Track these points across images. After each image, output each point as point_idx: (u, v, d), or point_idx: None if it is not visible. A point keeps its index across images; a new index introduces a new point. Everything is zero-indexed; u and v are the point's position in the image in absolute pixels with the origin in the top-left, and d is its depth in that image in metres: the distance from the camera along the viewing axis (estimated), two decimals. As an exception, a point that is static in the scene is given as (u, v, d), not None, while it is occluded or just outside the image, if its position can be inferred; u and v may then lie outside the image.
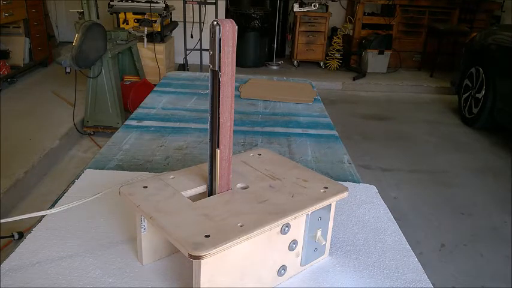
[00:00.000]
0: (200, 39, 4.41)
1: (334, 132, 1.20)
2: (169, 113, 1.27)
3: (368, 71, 5.69)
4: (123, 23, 4.38)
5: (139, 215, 0.57)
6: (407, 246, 0.68)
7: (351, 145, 3.50)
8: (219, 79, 0.53)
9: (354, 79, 5.43)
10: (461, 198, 2.83)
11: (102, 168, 0.90)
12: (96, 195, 0.63)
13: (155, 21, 4.32)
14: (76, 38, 2.95)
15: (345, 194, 0.61)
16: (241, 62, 5.57)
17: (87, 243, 0.64)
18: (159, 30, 4.37)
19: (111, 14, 4.41)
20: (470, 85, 4.18)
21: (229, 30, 0.52)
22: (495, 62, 3.79)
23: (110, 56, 3.27)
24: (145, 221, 0.58)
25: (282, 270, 0.58)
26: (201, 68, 4.66)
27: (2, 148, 2.89)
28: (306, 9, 5.60)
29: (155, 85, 1.61)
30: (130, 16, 4.37)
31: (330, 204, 0.61)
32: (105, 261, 0.60)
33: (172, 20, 4.91)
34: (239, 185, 0.62)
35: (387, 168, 3.21)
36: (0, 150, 2.85)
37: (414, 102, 5.00)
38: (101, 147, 1.42)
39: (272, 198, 0.58)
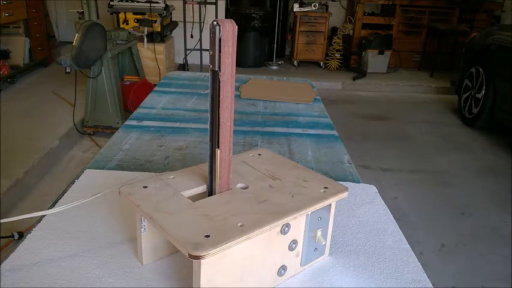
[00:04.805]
0: (200, 39, 4.41)
1: (334, 132, 1.20)
2: (169, 113, 1.27)
3: (368, 71, 5.69)
4: (123, 23, 4.37)
5: (139, 215, 0.57)
6: (407, 246, 0.68)
7: (351, 145, 3.50)
8: (219, 79, 0.53)
9: (354, 79, 5.43)
10: (461, 198, 2.83)
11: (102, 168, 0.90)
12: (96, 195, 0.63)
13: (155, 21, 4.32)
14: (76, 38, 2.95)
15: (345, 194, 0.61)
16: (241, 62, 5.57)
17: (87, 243, 0.64)
18: (159, 30, 4.37)
19: (111, 14, 4.41)
20: (470, 85, 4.18)
21: (229, 30, 0.52)
22: (495, 62, 3.79)
23: (110, 56, 3.27)
24: (145, 221, 0.58)
25: (282, 270, 0.58)
26: (201, 68, 4.66)
27: (2, 148, 2.89)
28: (306, 9, 5.60)
29: (155, 85, 1.61)
30: (131, 16, 4.37)
31: (330, 204, 0.61)
32: (105, 261, 0.60)
33: (172, 20, 4.91)
34: (239, 185, 0.62)
35: (387, 168, 3.21)
36: (0, 150, 2.85)
37: (414, 102, 5.00)
38: (101, 147, 1.42)
39: (272, 198, 0.58)
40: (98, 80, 3.30)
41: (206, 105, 1.21)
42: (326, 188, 0.62)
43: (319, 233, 0.60)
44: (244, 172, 0.66)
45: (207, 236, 0.48)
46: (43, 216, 0.69)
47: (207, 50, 1.08)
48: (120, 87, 3.48)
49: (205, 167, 0.61)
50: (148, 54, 4.30)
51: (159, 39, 4.40)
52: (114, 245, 0.64)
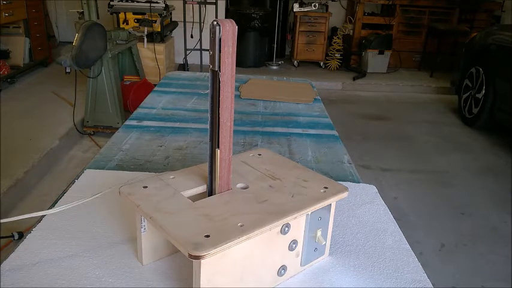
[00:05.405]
0: (200, 39, 4.41)
1: (334, 132, 1.20)
2: (169, 113, 1.27)
3: (368, 71, 5.69)
4: (123, 23, 4.37)
5: (139, 215, 0.57)
6: (407, 246, 0.68)
7: (351, 145, 3.50)
8: (219, 79, 0.53)
9: (354, 79, 5.43)
10: (461, 198, 2.83)
11: (102, 168, 0.90)
12: (96, 195, 0.63)
13: (155, 21, 4.32)
14: (76, 38, 2.95)
15: (345, 194, 0.61)
16: (241, 62, 5.57)
17: (87, 243, 0.64)
18: (159, 30, 4.37)
19: (111, 14, 4.41)
20: (470, 85, 4.17)
21: (229, 30, 0.52)
22: (495, 62, 3.79)
23: (110, 56, 3.27)
24: (145, 221, 0.58)
25: (282, 270, 0.58)
26: (201, 68, 4.66)
27: (2, 148, 2.89)
28: (306, 9, 5.60)
29: (155, 85, 1.61)
30: (131, 16, 4.37)
31: (330, 204, 0.61)
32: (105, 261, 0.60)
33: (172, 20, 4.91)
34: (239, 185, 0.62)
35: (387, 168, 3.21)
36: (0, 150, 2.85)
37: (414, 102, 5.00)
38: (101, 147, 1.42)
39: (272, 198, 0.58)
40: (98, 80, 3.30)
41: (206, 105, 1.21)
42: (326, 188, 0.62)
43: (319, 233, 0.60)
44: (244, 172, 0.66)
45: (207, 236, 0.48)
46: (43, 216, 0.69)
47: (207, 50, 1.08)
48: (120, 87, 3.48)
49: (205, 167, 0.61)
50: (148, 54, 4.30)
51: (159, 39, 4.40)
52: (114, 245, 0.64)
